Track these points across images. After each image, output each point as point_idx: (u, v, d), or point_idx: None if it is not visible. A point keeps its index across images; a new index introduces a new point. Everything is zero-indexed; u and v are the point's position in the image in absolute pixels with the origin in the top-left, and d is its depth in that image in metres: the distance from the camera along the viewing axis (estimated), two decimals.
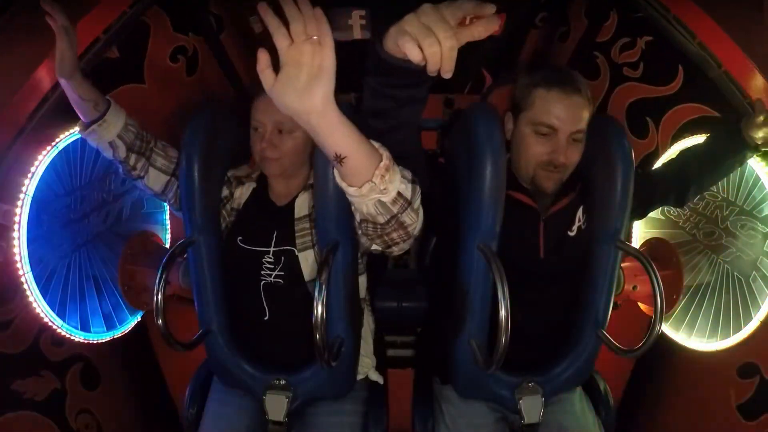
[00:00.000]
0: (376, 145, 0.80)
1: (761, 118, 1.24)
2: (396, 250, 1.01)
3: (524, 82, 1.23)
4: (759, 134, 1.26)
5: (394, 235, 0.91)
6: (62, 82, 1.14)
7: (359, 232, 1.03)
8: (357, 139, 0.76)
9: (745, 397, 1.46)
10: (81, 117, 1.23)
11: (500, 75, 2.18)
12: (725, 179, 1.53)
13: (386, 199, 0.82)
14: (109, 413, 1.58)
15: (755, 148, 1.29)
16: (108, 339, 1.59)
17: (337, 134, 0.74)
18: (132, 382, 1.76)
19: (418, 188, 0.87)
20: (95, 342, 1.53)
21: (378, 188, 0.80)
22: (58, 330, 1.40)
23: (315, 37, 0.66)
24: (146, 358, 1.87)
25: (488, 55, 2.06)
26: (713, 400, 1.57)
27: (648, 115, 1.75)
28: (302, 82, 0.68)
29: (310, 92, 0.68)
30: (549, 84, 1.18)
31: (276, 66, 0.69)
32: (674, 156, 1.46)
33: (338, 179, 0.82)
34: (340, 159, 0.76)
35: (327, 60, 0.67)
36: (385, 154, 0.80)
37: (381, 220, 0.86)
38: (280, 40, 0.67)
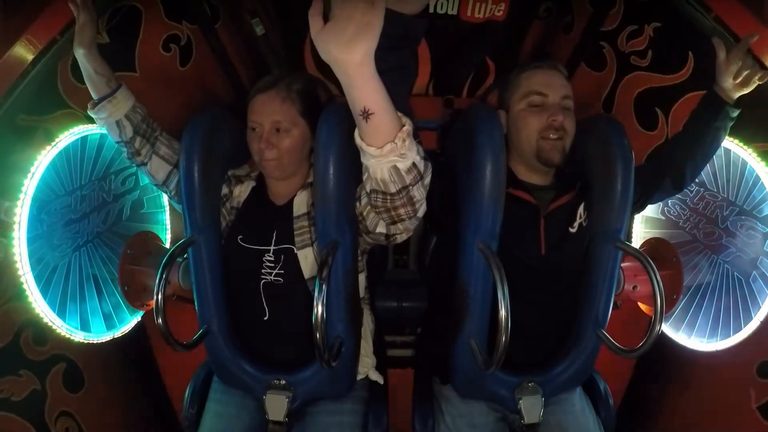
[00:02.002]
0: (399, 113, 0.84)
1: (723, 55, 1.21)
2: (400, 230, 1.04)
3: (507, 80, 1.36)
4: (729, 81, 1.22)
5: (402, 210, 0.95)
6: (80, 53, 1.20)
7: (367, 208, 1.06)
8: (386, 98, 0.80)
9: (767, 398, 1.40)
10: (93, 93, 1.28)
11: (503, 68, 2.15)
12: (726, 179, 1.53)
13: (402, 165, 0.86)
14: (92, 416, 1.52)
15: (736, 105, 1.26)
16: (108, 339, 1.59)
17: (370, 89, 0.78)
18: (127, 383, 1.73)
19: (430, 165, 0.92)
20: (80, 342, 1.48)
21: (398, 150, 0.84)
22: (58, 330, 1.39)
23: None
24: (145, 358, 1.87)
25: (491, 44, 2.04)
26: (729, 401, 1.51)
27: (657, 105, 1.70)
28: (348, 34, 0.72)
29: (353, 45, 0.72)
30: (528, 66, 1.32)
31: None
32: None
33: (358, 140, 0.86)
34: (367, 114, 0.80)
35: (376, 19, 0.72)
36: (408, 121, 0.85)
37: (392, 189, 0.90)
38: None
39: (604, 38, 1.85)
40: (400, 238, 1.09)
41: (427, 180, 0.92)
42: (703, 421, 1.61)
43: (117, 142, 1.35)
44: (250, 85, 1.96)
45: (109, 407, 1.65)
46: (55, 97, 1.34)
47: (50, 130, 1.34)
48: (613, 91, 1.86)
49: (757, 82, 1.22)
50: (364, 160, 0.89)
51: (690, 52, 1.54)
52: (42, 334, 1.37)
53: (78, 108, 1.39)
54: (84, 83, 1.28)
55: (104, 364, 1.62)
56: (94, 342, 1.53)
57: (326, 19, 0.74)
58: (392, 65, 0.86)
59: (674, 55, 1.59)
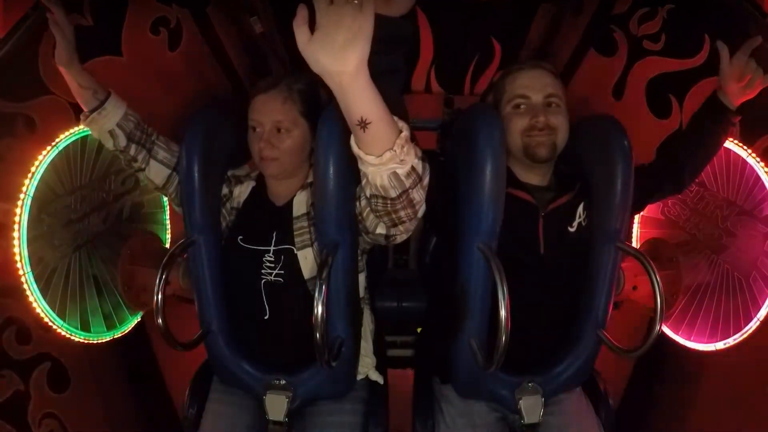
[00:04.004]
0: (395, 118, 0.83)
1: (726, 58, 1.22)
2: (401, 231, 1.03)
3: (495, 84, 1.38)
4: (733, 85, 1.23)
5: (402, 213, 0.94)
6: (62, 70, 1.20)
7: (367, 210, 1.05)
8: (382, 106, 0.78)
9: None
10: (82, 106, 1.27)
11: (510, 50, 2.10)
12: (726, 179, 1.53)
13: (401, 171, 0.84)
14: (78, 418, 1.46)
15: (738, 111, 1.27)
16: (108, 339, 1.58)
17: (365, 98, 0.76)
18: (124, 382, 1.72)
19: (427, 166, 0.90)
20: (66, 340, 1.43)
21: (397, 158, 0.82)
22: (58, 330, 1.39)
23: (356, 1, 0.68)
24: (146, 358, 1.86)
25: (497, 24, 2.00)
26: (742, 400, 1.47)
27: (670, 91, 1.64)
28: (338, 43, 0.69)
29: (346, 54, 0.69)
30: (513, 69, 1.33)
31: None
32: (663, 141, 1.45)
33: (355, 149, 0.84)
34: (364, 124, 0.78)
35: (366, 23, 0.69)
36: (405, 126, 0.83)
37: (393, 194, 0.89)
38: (321, 0, 0.68)
39: (615, 22, 1.79)
40: (400, 239, 1.09)
41: (426, 181, 0.92)
42: (708, 421, 1.60)
43: (112, 151, 1.34)
44: (244, 75, 1.91)
45: (98, 408, 1.59)
46: (35, 82, 1.28)
47: (32, 118, 1.28)
48: (623, 78, 1.81)
49: (760, 86, 1.22)
50: (362, 167, 0.87)
51: (706, 35, 1.49)
52: (26, 332, 1.32)
53: (62, 95, 1.32)
54: None
55: (93, 364, 1.56)
56: (93, 342, 1.52)
57: (313, 27, 0.70)
58: (382, 69, 0.86)
59: (689, 38, 1.53)
